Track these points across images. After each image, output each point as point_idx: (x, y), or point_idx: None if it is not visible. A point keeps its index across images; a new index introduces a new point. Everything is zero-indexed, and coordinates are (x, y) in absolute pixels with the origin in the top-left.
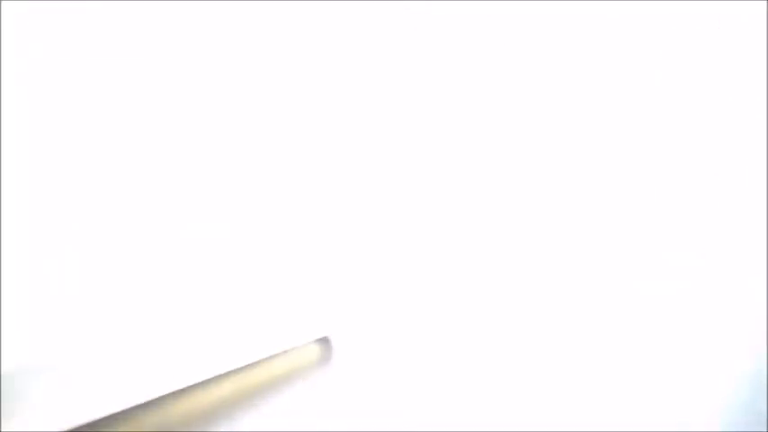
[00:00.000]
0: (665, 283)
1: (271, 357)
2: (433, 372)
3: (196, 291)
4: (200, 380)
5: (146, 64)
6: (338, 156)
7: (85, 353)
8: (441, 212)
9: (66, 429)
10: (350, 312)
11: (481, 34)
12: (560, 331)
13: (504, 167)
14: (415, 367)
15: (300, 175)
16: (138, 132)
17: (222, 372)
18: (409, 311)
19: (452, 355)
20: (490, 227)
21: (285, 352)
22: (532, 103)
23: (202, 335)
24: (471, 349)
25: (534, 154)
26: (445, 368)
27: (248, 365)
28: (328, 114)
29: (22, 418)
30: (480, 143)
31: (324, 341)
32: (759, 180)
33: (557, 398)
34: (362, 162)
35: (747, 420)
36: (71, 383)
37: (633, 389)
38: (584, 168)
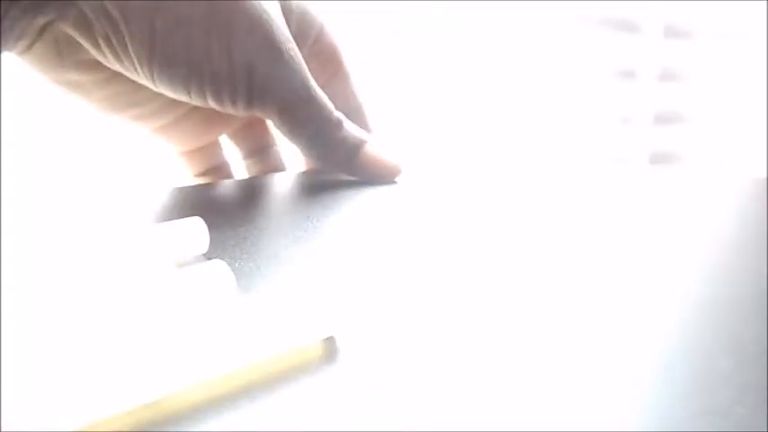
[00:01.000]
0: (663, 281)
1: (273, 356)
2: (440, 372)
3: (197, 289)
4: (200, 379)
5: None
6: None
7: (85, 353)
8: (443, 211)
9: (65, 429)
10: (356, 311)
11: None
12: (561, 328)
13: (503, 163)
14: (422, 367)
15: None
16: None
17: (223, 371)
18: (416, 311)
19: (460, 355)
20: (491, 226)
21: (288, 351)
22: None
23: (204, 333)
24: (478, 349)
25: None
26: (452, 368)
27: (251, 364)
28: None
29: (22, 419)
30: (478, 142)
31: (329, 340)
32: (759, 180)
33: (561, 396)
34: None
35: (747, 421)
36: (71, 383)
37: (631, 388)
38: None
